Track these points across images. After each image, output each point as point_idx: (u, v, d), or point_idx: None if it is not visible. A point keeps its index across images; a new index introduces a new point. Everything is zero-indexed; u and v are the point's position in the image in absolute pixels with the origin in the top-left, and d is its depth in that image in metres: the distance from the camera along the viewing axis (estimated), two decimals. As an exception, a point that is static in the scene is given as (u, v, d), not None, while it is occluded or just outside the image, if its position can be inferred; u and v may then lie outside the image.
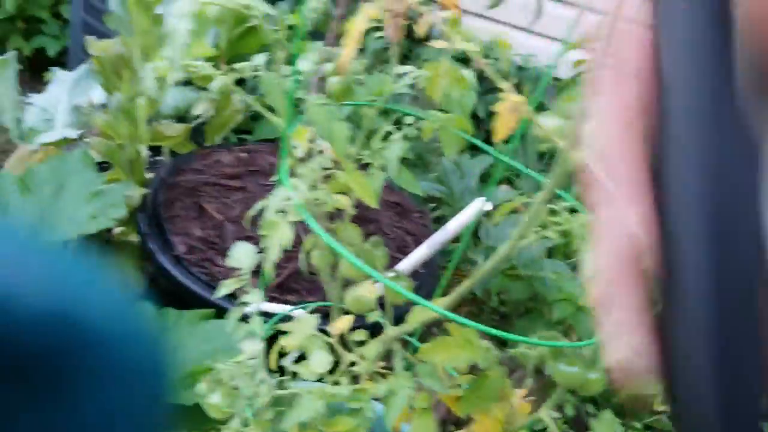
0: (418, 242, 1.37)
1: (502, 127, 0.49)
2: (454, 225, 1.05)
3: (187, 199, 1.25)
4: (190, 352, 1.04)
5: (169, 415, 0.21)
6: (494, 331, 0.58)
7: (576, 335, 1.75)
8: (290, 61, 0.72)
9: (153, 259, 1.15)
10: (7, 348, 0.16)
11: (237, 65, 0.68)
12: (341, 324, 0.59)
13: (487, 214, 1.14)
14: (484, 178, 1.90)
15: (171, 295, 1.19)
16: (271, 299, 1.13)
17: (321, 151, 0.80)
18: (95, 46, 1.14)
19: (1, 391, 0.16)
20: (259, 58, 0.70)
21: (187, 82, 1.52)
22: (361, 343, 0.68)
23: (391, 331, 0.62)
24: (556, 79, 2.34)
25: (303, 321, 0.60)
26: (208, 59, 1.10)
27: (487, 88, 1.06)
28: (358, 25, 0.49)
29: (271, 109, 0.71)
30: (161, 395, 0.20)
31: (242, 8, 0.53)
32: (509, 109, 0.48)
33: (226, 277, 1.14)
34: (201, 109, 1.46)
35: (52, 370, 0.17)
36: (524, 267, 1.56)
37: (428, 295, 1.27)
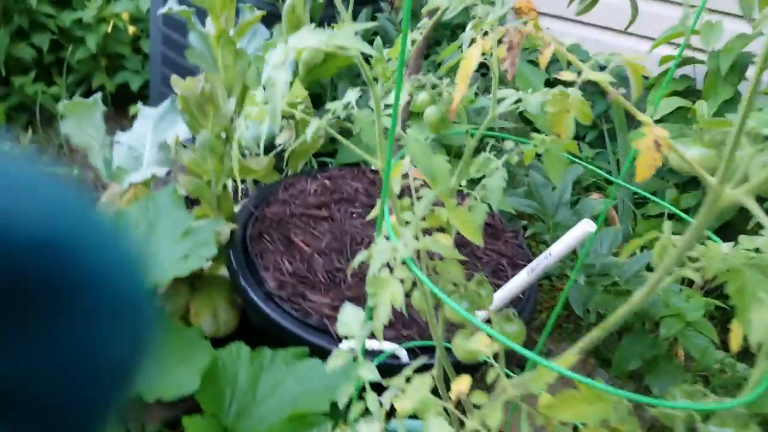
0: (513, 265, 1.31)
1: (645, 167, 0.43)
2: (558, 249, 0.98)
3: (275, 232, 1.23)
4: (286, 394, 1.01)
5: (151, 344, 0.21)
6: (629, 395, 0.51)
7: (682, 352, 1.64)
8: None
9: (245, 295, 1.13)
10: (4, 273, 0.16)
11: (330, 105, 0.64)
12: (460, 386, 0.54)
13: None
14: (574, 186, 1.81)
15: (263, 331, 1.17)
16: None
17: (418, 189, 0.75)
18: (179, 84, 1.14)
19: None
20: (351, 95, 0.66)
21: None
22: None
23: (511, 389, 0.56)
24: (643, 77, 2.22)
25: (416, 384, 0.55)
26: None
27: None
28: (470, 62, 0.45)
29: (349, 134, 0.67)
30: (146, 322, 0.21)
31: (338, 50, 0.49)
32: (652, 145, 0.42)
33: (319, 312, 1.11)
34: (283, 138, 1.45)
35: (46, 295, 0.17)
36: (626, 282, 1.47)
37: (527, 323, 1.21)
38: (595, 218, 1.73)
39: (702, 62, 1.91)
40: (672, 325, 1.44)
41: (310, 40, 0.47)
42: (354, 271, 1.17)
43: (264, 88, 0.53)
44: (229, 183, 1.25)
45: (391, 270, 0.61)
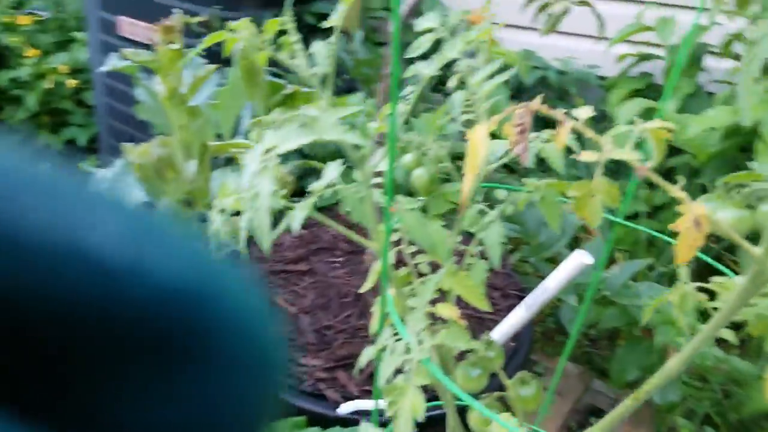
0: (505, 296, 1.26)
1: (686, 249, 0.38)
2: (554, 283, 0.94)
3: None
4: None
5: (274, 407, 0.20)
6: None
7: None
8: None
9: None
10: (136, 323, 0.16)
11: (313, 187, 0.58)
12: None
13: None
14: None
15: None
16: (365, 393, 1.04)
17: (413, 256, 0.70)
18: (132, 152, 1.06)
19: (119, 367, 0.16)
20: (332, 172, 0.60)
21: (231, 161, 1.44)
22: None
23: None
24: (600, 78, 2.21)
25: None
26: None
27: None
28: (478, 150, 0.39)
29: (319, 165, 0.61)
30: (271, 386, 0.20)
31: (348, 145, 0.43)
32: (692, 225, 0.37)
33: (312, 376, 1.05)
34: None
35: (174, 349, 0.17)
36: (615, 294, 1.44)
37: (525, 356, 1.16)
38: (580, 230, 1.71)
39: (660, 57, 1.90)
40: (667, 332, 1.42)
41: (291, 142, 0.41)
42: (343, 328, 1.11)
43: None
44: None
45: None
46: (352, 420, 0.96)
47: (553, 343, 1.75)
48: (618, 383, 1.51)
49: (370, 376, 1.06)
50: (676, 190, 0.40)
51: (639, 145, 0.42)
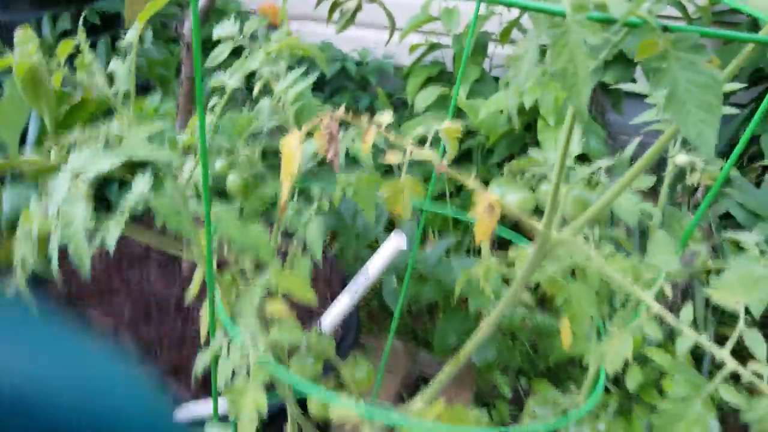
0: (329, 285, 1.30)
1: (483, 232, 0.43)
2: (374, 269, 0.99)
3: (66, 314, 1.09)
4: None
5: None
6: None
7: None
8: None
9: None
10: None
11: (123, 204, 0.57)
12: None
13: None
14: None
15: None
16: (200, 397, 1.02)
17: (236, 260, 0.71)
18: None
19: None
20: (142, 185, 0.59)
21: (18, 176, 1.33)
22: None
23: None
24: (397, 67, 2.32)
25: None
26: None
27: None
28: (292, 158, 0.41)
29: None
30: None
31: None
32: (487, 211, 0.43)
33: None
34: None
35: None
36: (432, 271, 1.54)
37: (354, 339, 1.21)
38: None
39: (447, 46, 2.03)
40: (478, 300, 1.54)
41: (100, 165, 0.40)
42: (168, 337, 1.08)
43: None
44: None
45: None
46: (193, 426, 0.95)
47: (378, 323, 1.83)
48: (441, 351, 1.62)
49: (204, 381, 1.04)
50: (469, 181, 0.45)
51: (436, 141, 0.46)
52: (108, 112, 1.71)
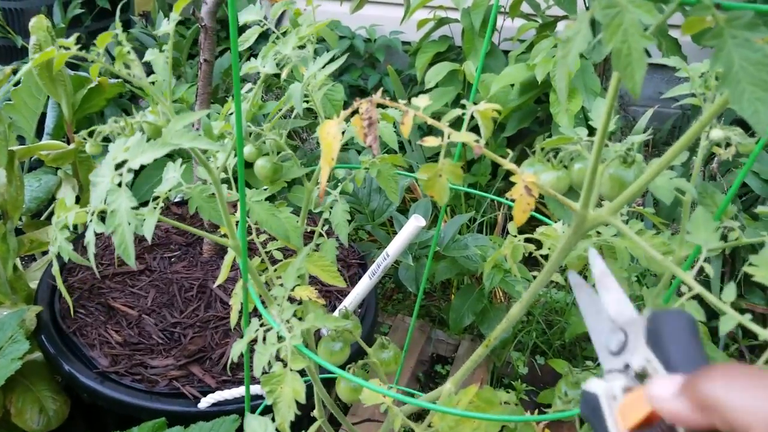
0: (347, 266, 1.30)
1: (521, 213, 0.43)
2: (394, 249, 0.99)
3: (89, 302, 1.10)
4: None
5: None
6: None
7: (501, 294, 1.76)
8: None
9: (74, 382, 1.01)
10: None
11: (157, 191, 0.57)
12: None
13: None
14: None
15: (108, 412, 1.05)
16: (224, 383, 1.03)
17: (264, 244, 0.71)
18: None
19: None
20: (173, 175, 0.59)
21: (39, 163, 1.33)
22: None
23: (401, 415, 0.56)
24: (405, 43, 2.30)
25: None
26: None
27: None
28: (332, 144, 0.41)
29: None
30: None
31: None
32: (524, 192, 0.42)
33: (166, 376, 1.03)
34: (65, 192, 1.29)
35: None
36: (446, 249, 1.54)
37: (373, 319, 1.22)
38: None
39: (456, 21, 2.01)
40: (493, 277, 1.54)
41: (145, 156, 0.40)
42: (191, 323, 1.09)
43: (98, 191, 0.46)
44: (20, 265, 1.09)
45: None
46: (214, 413, 0.96)
47: (393, 302, 1.84)
48: (456, 329, 1.63)
49: (225, 366, 1.05)
50: (507, 163, 0.44)
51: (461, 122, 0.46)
52: (121, 97, 1.69)
